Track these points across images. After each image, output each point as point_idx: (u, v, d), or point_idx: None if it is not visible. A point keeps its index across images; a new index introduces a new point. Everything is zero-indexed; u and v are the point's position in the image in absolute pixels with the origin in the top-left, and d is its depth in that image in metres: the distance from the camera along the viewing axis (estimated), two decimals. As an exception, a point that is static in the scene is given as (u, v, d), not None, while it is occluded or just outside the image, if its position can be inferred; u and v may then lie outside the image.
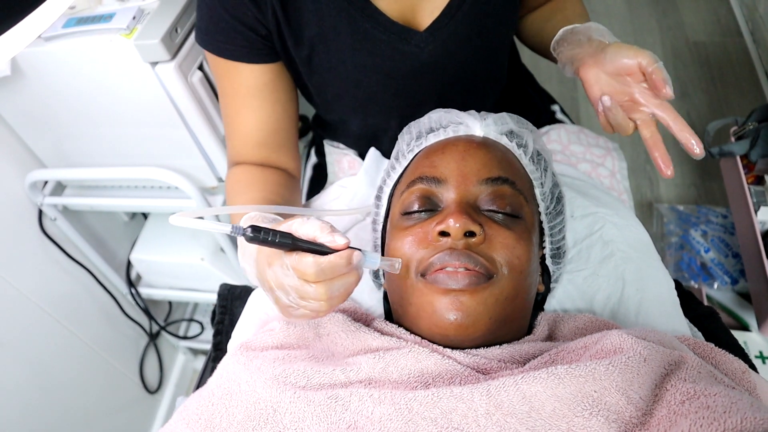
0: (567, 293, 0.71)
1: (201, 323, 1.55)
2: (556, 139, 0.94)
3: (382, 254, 0.67)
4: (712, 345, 0.57)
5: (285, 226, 0.50)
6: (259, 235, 0.46)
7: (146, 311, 1.39)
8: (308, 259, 0.47)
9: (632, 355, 0.48)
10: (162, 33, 0.83)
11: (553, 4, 0.83)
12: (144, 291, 1.37)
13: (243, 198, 0.73)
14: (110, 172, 1.06)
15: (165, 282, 1.34)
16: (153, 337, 1.49)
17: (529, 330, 0.63)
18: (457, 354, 0.54)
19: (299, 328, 0.63)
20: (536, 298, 0.68)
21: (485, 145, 0.62)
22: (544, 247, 0.66)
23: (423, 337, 0.57)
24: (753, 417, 0.41)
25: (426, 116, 0.69)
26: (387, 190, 0.68)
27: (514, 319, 0.58)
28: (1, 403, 1.08)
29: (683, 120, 0.59)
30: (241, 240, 0.53)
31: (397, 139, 0.72)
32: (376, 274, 0.71)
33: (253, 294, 0.78)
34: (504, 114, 0.67)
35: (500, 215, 0.58)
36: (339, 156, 0.96)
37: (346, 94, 0.79)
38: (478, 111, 0.68)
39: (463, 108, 0.69)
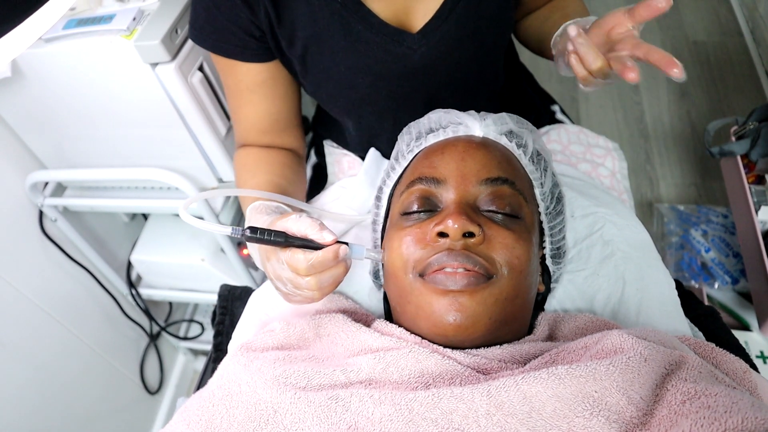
0: (567, 293, 0.71)
1: (201, 324, 1.55)
2: (556, 139, 0.94)
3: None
4: (713, 345, 0.56)
5: (280, 224, 0.56)
6: (256, 236, 0.54)
7: (147, 312, 1.39)
8: (299, 256, 0.54)
9: (633, 355, 0.48)
10: (162, 34, 0.83)
11: (553, 4, 0.83)
12: (144, 292, 1.37)
13: (250, 182, 0.78)
14: (111, 173, 1.07)
15: (165, 283, 1.34)
16: (153, 337, 1.49)
17: (530, 330, 0.63)
18: (457, 354, 0.54)
19: (299, 328, 0.63)
20: (536, 298, 0.68)
21: (485, 145, 0.62)
22: (544, 247, 0.66)
23: (423, 338, 0.57)
24: (754, 417, 0.41)
25: (425, 117, 0.69)
26: (387, 191, 0.68)
27: (514, 319, 0.58)
28: (1, 403, 1.08)
29: (659, 48, 0.54)
30: None
31: (392, 141, 0.72)
32: (376, 275, 0.71)
33: (253, 295, 0.79)
34: (504, 114, 0.67)
35: (500, 215, 0.58)
36: (339, 156, 0.96)
37: (340, 95, 0.79)
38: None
39: (457, 109, 0.68)
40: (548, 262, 0.66)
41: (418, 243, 0.57)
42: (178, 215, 1.25)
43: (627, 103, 2.05)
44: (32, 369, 1.15)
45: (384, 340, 0.57)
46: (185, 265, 1.24)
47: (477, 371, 0.54)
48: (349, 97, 0.79)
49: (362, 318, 0.67)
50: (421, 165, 0.63)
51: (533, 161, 0.65)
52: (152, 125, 0.96)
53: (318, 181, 0.99)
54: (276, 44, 0.73)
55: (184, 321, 1.58)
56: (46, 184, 1.16)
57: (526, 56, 1.00)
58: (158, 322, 1.43)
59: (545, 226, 0.65)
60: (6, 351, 1.09)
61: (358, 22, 0.70)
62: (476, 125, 0.65)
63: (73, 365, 1.25)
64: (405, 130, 0.70)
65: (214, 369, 0.64)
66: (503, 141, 0.64)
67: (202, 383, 0.86)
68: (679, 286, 0.75)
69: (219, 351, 0.83)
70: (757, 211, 1.24)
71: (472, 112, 0.67)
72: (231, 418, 0.55)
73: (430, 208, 0.60)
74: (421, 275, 0.56)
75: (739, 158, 1.34)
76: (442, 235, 0.55)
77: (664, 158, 1.89)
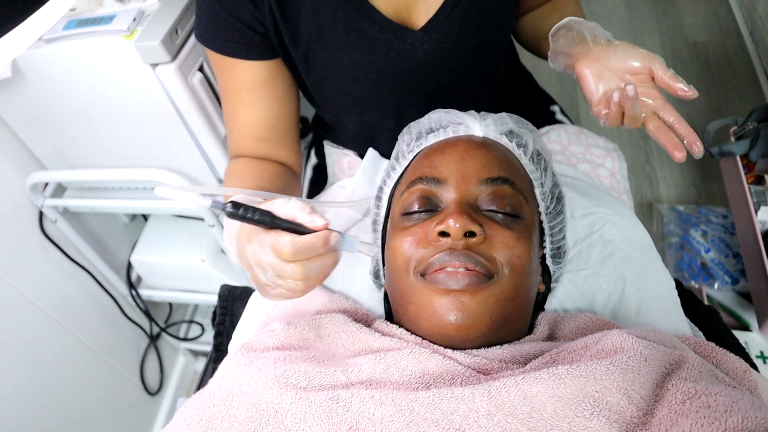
0: (567, 293, 0.71)
1: (201, 325, 1.55)
2: (556, 139, 0.94)
3: (382, 254, 0.67)
4: (713, 344, 0.57)
5: (266, 205, 0.51)
6: (239, 212, 0.48)
7: (147, 313, 1.39)
8: (285, 238, 0.49)
9: (633, 354, 0.48)
10: (162, 34, 0.83)
11: (551, 4, 0.83)
12: (144, 292, 1.37)
13: (237, 186, 0.74)
14: (110, 174, 1.07)
15: (165, 283, 1.34)
16: (153, 338, 1.49)
17: (530, 330, 0.63)
18: (458, 354, 0.54)
19: (300, 328, 0.63)
20: (537, 298, 0.68)
21: (485, 145, 0.62)
22: (544, 247, 0.66)
23: (424, 338, 0.57)
24: (755, 416, 0.41)
25: (426, 116, 0.69)
26: (387, 191, 0.68)
27: (514, 318, 0.58)
28: (1, 404, 1.08)
29: (685, 121, 0.61)
30: (226, 220, 0.55)
31: (393, 138, 0.72)
32: (376, 275, 0.71)
33: (253, 295, 0.78)
34: (504, 114, 0.67)
35: (500, 215, 0.58)
36: (339, 156, 0.96)
37: (343, 92, 0.79)
38: (474, 110, 0.68)
39: (459, 107, 0.69)
40: (548, 261, 0.67)
41: (420, 243, 0.57)
42: (178, 216, 1.26)
43: (627, 103, 2.05)
44: (32, 370, 1.15)
45: (385, 341, 0.57)
46: (185, 266, 1.24)
47: (477, 371, 0.54)
48: (351, 94, 0.79)
49: (363, 318, 0.67)
50: (421, 165, 0.63)
51: (533, 161, 0.65)
52: (152, 126, 0.96)
53: (318, 182, 0.99)
54: (279, 40, 0.73)
55: (184, 322, 1.58)
56: (46, 184, 1.16)
57: (526, 57, 1.01)
58: (158, 322, 1.43)
59: (545, 225, 0.65)
60: (6, 352, 1.09)
61: (361, 18, 0.71)
62: (476, 125, 0.65)
63: (73, 366, 1.25)
64: (405, 130, 0.71)
65: (214, 369, 0.64)
66: (503, 141, 0.64)
67: (202, 384, 0.85)
68: (679, 286, 0.75)
69: (219, 351, 0.83)
70: (756, 212, 1.24)
71: (473, 111, 0.67)
72: (231, 418, 0.54)
73: (430, 207, 0.60)
74: (423, 275, 0.56)
75: (738, 158, 1.35)
76: (443, 234, 0.55)
77: (664, 159, 1.89)
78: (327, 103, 0.85)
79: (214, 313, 0.87)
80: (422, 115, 0.69)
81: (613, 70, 0.63)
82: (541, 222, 0.65)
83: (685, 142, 0.60)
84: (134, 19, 0.86)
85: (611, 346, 0.51)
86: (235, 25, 0.71)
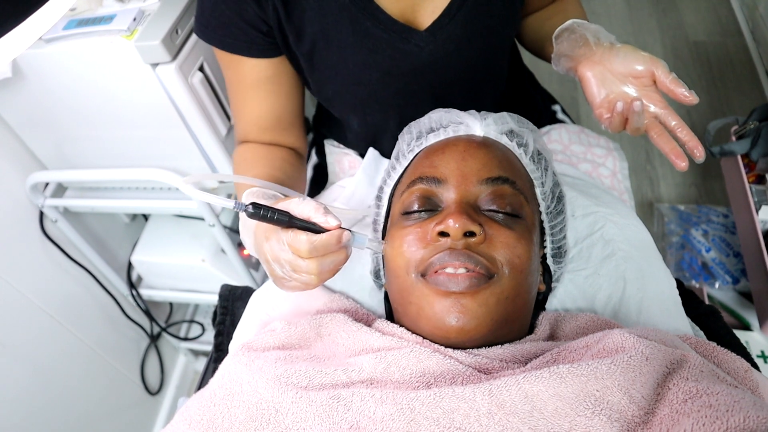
0: (568, 292, 0.71)
1: (202, 324, 1.55)
2: (557, 139, 0.94)
3: (382, 254, 0.67)
4: (714, 344, 0.56)
5: (283, 205, 0.54)
6: (259, 212, 0.52)
7: (147, 313, 1.39)
8: (302, 237, 0.52)
9: (634, 354, 0.48)
10: (163, 34, 0.83)
11: (554, 6, 0.83)
12: (145, 292, 1.37)
13: (248, 174, 0.77)
14: (111, 174, 1.07)
15: (166, 283, 1.34)
16: (154, 338, 1.49)
17: (531, 329, 0.63)
18: (458, 354, 0.54)
19: (300, 328, 0.63)
20: (537, 298, 0.68)
21: (485, 144, 0.62)
22: (545, 247, 0.66)
23: (424, 337, 0.57)
24: (756, 416, 0.41)
25: (426, 116, 0.69)
26: (387, 190, 0.68)
27: (515, 318, 0.58)
28: (1, 404, 1.08)
29: (686, 125, 0.62)
30: (242, 215, 0.58)
31: (396, 138, 0.72)
32: (377, 275, 0.71)
33: (254, 295, 0.78)
34: (504, 113, 0.67)
35: (501, 215, 0.58)
36: (340, 156, 0.96)
37: (347, 92, 0.79)
38: (478, 111, 0.68)
39: (463, 107, 0.69)
40: (549, 261, 0.66)
41: (420, 242, 0.57)
42: (178, 216, 1.26)
43: (627, 103, 2.05)
44: (32, 369, 1.15)
45: (385, 340, 0.57)
46: (186, 266, 1.24)
47: (478, 371, 0.53)
48: (355, 94, 0.79)
49: (363, 318, 0.67)
50: (421, 164, 0.63)
51: (534, 160, 0.65)
52: (153, 126, 0.96)
53: (318, 182, 0.99)
54: (283, 39, 0.73)
55: (184, 322, 1.58)
56: (47, 184, 1.16)
57: (527, 57, 1.01)
58: (159, 322, 1.43)
59: (546, 225, 0.65)
60: (6, 351, 1.09)
61: (366, 18, 0.71)
62: (477, 125, 0.65)
63: (73, 366, 1.25)
64: (405, 129, 0.71)
65: (214, 369, 0.64)
66: (504, 140, 0.64)
67: (203, 383, 0.85)
68: (680, 285, 0.75)
69: (220, 351, 0.83)
70: (757, 211, 1.24)
71: (473, 111, 0.67)
72: (232, 417, 0.54)
73: (430, 207, 0.60)
74: (423, 275, 0.56)
75: (739, 158, 1.34)
76: (443, 234, 0.55)
77: (665, 158, 1.88)
78: (331, 103, 0.85)
79: (215, 312, 0.87)
80: None
81: (615, 73, 0.63)
82: (541, 222, 0.65)
83: (686, 147, 0.60)
84: (134, 19, 0.86)
85: (612, 345, 0.51)
86: (238, 23, 0.71)
